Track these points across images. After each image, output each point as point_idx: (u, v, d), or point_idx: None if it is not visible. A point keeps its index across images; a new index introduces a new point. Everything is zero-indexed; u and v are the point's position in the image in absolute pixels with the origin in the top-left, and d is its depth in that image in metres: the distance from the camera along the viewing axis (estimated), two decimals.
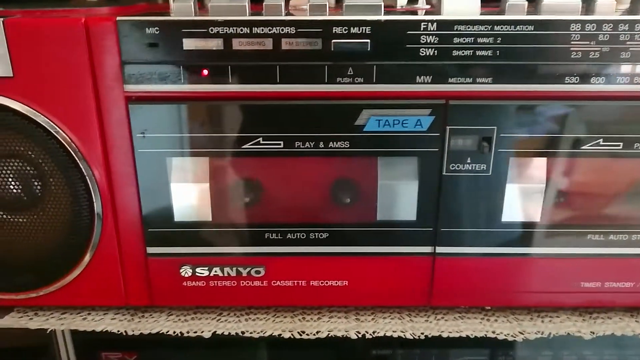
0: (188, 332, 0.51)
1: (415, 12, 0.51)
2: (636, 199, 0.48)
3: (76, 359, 0.54)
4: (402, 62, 0.44)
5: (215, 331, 0.51)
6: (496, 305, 0.53)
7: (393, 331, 0.51)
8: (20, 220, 0.50)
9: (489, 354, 0.54)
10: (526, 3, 0.45)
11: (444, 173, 0.47)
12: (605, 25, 0.43)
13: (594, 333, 0.51)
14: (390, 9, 0.53)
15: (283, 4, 0.45)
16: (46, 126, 0.46)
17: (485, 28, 0.43)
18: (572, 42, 0.43)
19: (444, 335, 0.50)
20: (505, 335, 0.50)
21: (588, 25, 0.43)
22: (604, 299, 0.52)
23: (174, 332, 0.51)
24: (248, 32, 0.43)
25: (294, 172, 0.48)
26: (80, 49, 0.44)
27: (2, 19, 0.43)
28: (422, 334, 0.50)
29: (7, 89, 0.45)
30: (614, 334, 0.50)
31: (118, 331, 0.51)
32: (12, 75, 0.45)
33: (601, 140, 0.46)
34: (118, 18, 0.43)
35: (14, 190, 0.49)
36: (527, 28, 0.43)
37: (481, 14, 0.44)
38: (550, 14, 0.44)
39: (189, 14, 0.44)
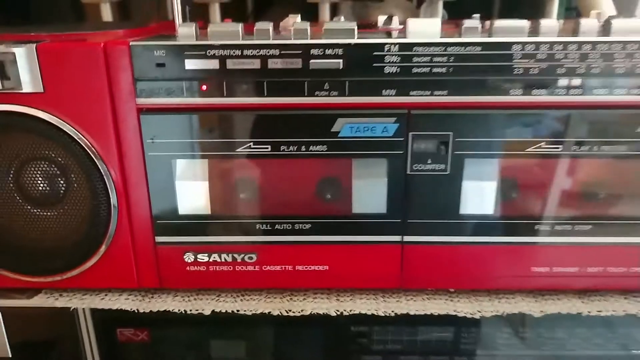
0: (191, 310, 0.58)
1: (389, 32, 0.59)
2: (576, 194, 0.55)
3: (95, 334, 0.61)
4: (370, 78, 0.52)
5: (215, 309, 0.58)
6: (459, 288, 0.60)
7: (368, 310, 0.58)
8: (48, 214, 0.57)
9: (453, 331, 0.61)
10: (479, 26, 0.53)
11: (408, 172, 0.54)
12: (542, 46, 0.50)
13: (543, 312, 0.58)
14: (367, 30, 0.61)
15: (271, 27, 0.53)
16: (71, 133, 0.53)
17: (440, 49, 0.51)
18: (514, 60, 0.51)
19: (412, 313, 0.58)
20: (464, 313, 0.57)
21: (528, 46, 0.50)
22: (553, 282, 0.58)
23: (179, 310, 0.58)
24: (240, 54, 0.51)
25: (281, 171, 0.56)
26: (100, 68, 0.52)
27: (34, 44, 0.51)
28: (393, 312, 0.58)
29: (38, 102, 0.53)
30: (560, 312, 0.58)
31: (131, 309, 0.59)
32: (43, 90, 0.52)
33: (543, 143, 0.53)
34: (131, 43, 0.51)
35: (43, 188, 0.56)
36: (475, 49, 0.51)
37: (442, 33, 0.52)
38: (501, 34, 0.51)
39: (192, 37, 0.52)
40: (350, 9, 1.09)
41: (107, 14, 0.91)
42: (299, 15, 0.63)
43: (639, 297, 0.59)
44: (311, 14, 0.93)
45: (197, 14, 0.88)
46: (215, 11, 0.91)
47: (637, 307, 0.58)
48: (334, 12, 1.09)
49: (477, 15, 0.63)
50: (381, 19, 0.68)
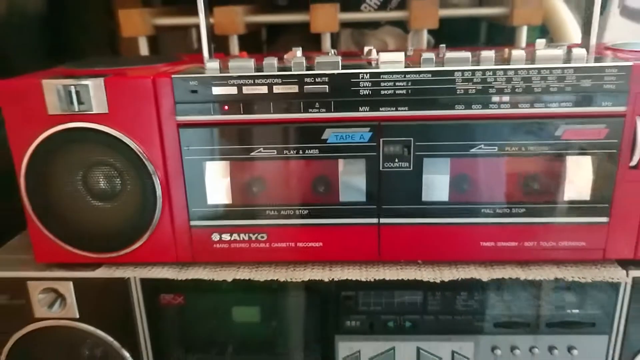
0: (217, 279, 0.74)
1: (369, 61, 0.76)
2: (512, 184, 0.72)
3: (144, 298, 0.74)
4: (349, 99, 0.68)
5: (235, 278, 0.73)
6: (425, 260, 0.76)
7: (353, 277, 0.74)
8: (108, 206, 0.71)
9: (422, 294, 0.76)
10: (434, 57, 0.70)
11: (381, 169, 0.70)
12: (477, 72, 0.67)
13: (490, 277, 0.73)
14: (353, 59, 0.78)
15: (276, 61, 0.70)
16: (127, 143, 0.68)
17: (401, 76, 0.67)
18: (457, 83, 0.67)
19: (387, 279, 0.74)
20: (427, 279, 0.73)
21: (466, 73, 0.67)
22: (498, 255, 0.73)
23: (208, 279, 0.74)
24: (252, 82, 0.68)
25: (284, 170, 0.72)
26: (150, 94, 0.68)
27: (102, 78, 0.69)
28: (373, 278, 0.74)
29: (104, 120, 0.67)
30: (504, 277, 0.73)
31: (171, 278, 0.74)
32: (107, 111, 0.68)
33: (482, 145, 0.70)
34: (173, 75, 0.69)
35: (104, 186, 0.72)
36: (426, 75, 0.67)
37: (406, 63, 0.69)
38: (450, 62, 0.68)
39: (217, 70, 0.69)
40: (349, 36, 1.27)
41: (143, 47, 1.09)
42: (301, 48, 0.80)
43: (568, 265, 0.75)
44: (316, 42, 1.10)
45: (219, 44, 1.06)
46: (234, 42, 1.09)
47: (564, 273, 0.73)
48: (337, 38, 1.27)
49: (444, 46, 0.81)
50: (366, 49, 0.86)
